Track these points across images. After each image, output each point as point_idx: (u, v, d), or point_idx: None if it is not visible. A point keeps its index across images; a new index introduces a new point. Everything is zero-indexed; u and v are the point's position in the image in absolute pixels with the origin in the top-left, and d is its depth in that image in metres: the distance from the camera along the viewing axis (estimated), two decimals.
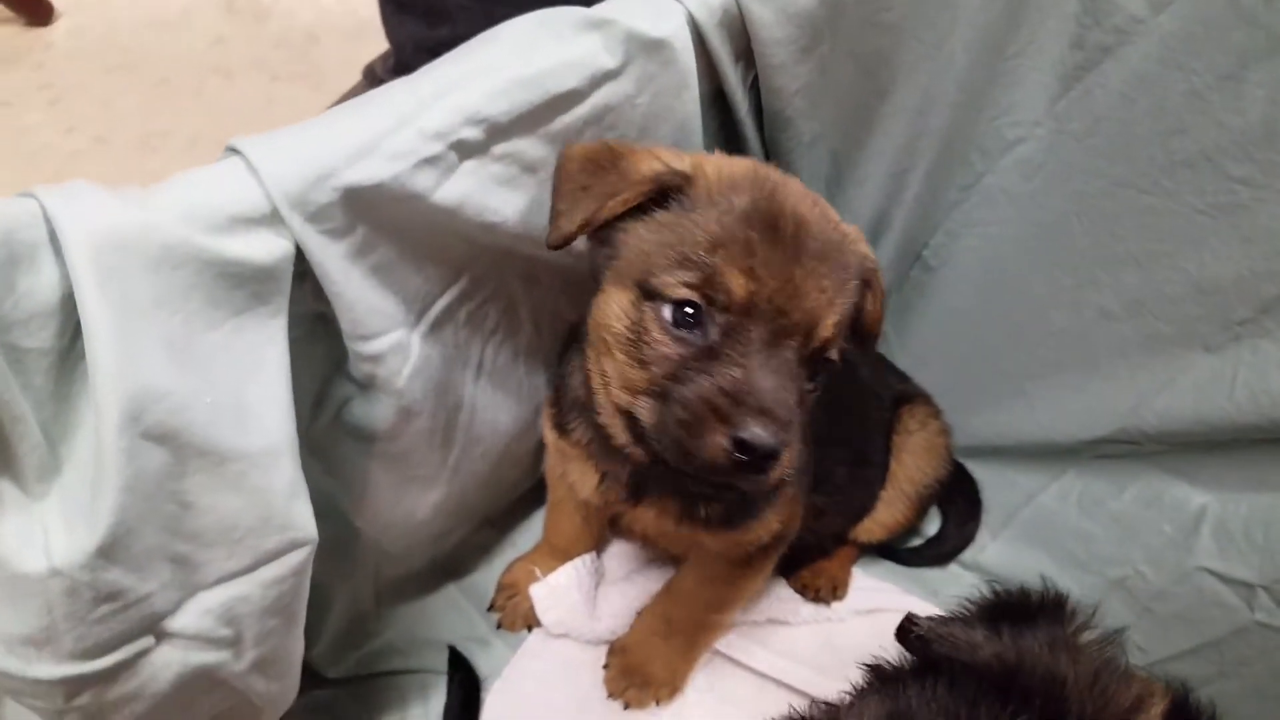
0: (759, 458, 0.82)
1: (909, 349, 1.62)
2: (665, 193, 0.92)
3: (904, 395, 1.51)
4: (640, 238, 0.93)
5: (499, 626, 1.51)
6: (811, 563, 1.55)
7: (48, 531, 0.78)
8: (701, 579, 1.35)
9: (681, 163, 0.93)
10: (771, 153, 1.26)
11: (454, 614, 1.52)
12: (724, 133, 1.23)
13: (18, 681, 0.82)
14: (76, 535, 0.78)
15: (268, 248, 0.86)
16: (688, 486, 1.11)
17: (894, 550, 1.63)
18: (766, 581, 1.50)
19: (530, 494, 1.59)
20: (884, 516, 1.50)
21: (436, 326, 1.09)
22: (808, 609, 1.53)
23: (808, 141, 1.25)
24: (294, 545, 0.93)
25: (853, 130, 1.35)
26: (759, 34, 1.10)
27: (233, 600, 0.92)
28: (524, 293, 1.18)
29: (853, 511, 1.49)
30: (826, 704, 1.00)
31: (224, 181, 0.84)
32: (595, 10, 1.01)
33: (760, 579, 1.36)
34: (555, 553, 1.51)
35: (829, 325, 0.89)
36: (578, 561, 1.49)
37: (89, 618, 0.82)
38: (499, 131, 0.96)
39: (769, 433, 0.82)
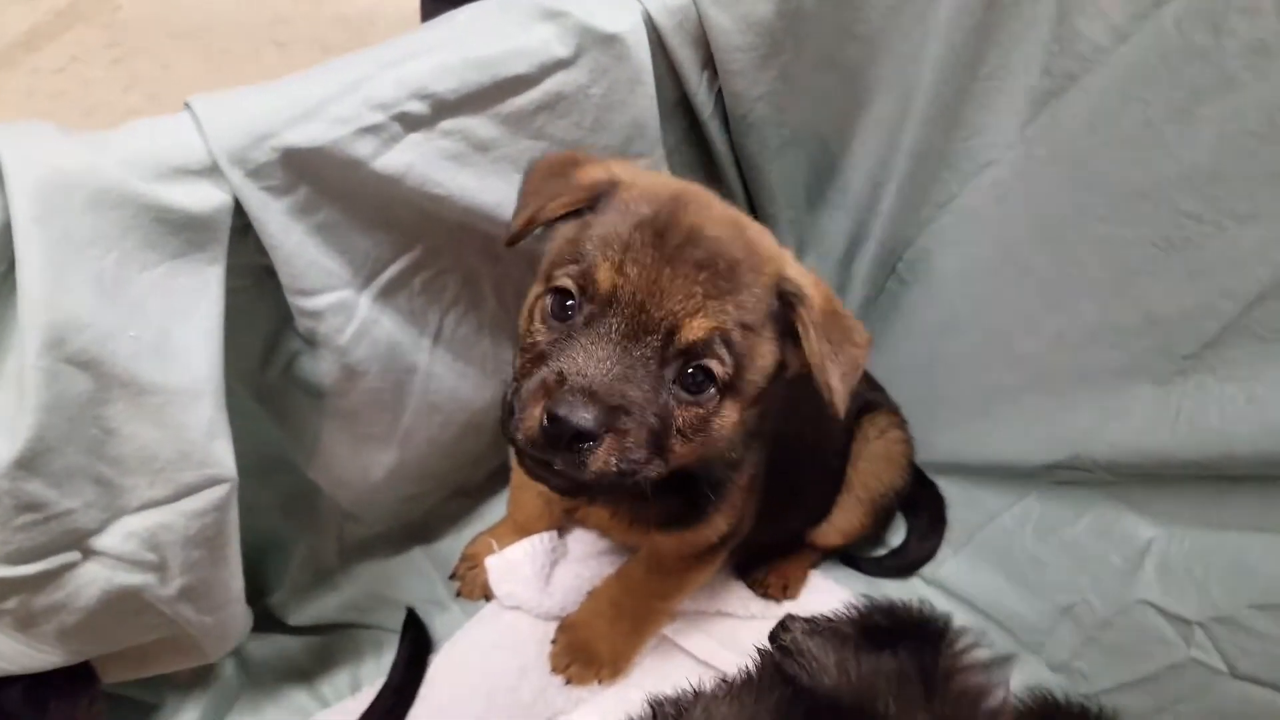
0: (570, 436, 0.85)
1: (882, 361, 1.63)
2: (598, 199, 0.97)
3: (868, 404, 1.53)
4: (562, 235, 0.99)
5: (458, 595, 1.57)
6: (770, 561, 1.58)
7: None
8: (651, 570, 1.39)
9: (617, 174, 0.99)
10: (740, 158, 1.29)
11: (416, 577, 1.58)
12: (691, 135, 1.26)
13: None
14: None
15: (205, 198, 0.92)
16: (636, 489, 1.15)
17: (856, 558, 1.65)
18: (718, 575, 1.53)
19: (505, 468, 1.64)
20: (840, 522, 1.52)
21: (388, 291, 1.15)
22: (757, 605, 1.56)
23: (775, 147, 1.28)
24: (213, 481, 0.99)
25: (833, 139, 1.38)
26: (717, 40, 1.14)
27: (156, 527, 0.99)
28: (486, 268, 1.23)
29: (807, 515, 1.51)
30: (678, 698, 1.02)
31: (171, 133, 0.91)
32: (552, 1, 1.06)
33: (707, 574, 1.39)
34: (517, 528, 1.56)
35: (695, 328, 0.90)
36: (535, 538, 1.54)
37: (10, 524, 0.89)
38: (446, 108, 1.02)
39: (584, 413, 0.84)
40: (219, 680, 1.36)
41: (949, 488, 1.65)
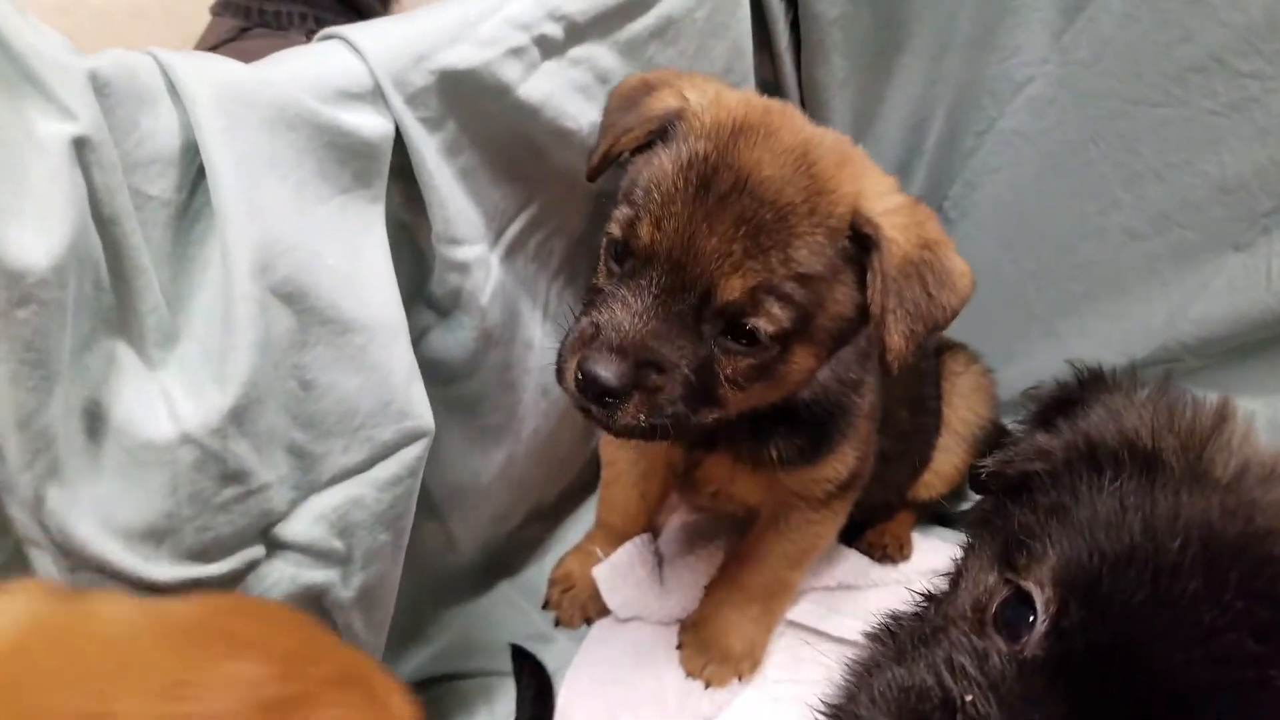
0: (598, 391, 0.86)
1: None
2: (667, 129, 0.94)
3: (943, 344, 1.53)
4: (635, 170, 0.95)
5: (557, 624, 1.46)
6: (873, 525, 1.54)
7: (171, 399, 0.75)
8: (777, 532, 1.32)
9: (688, 98, 0.95)
10: (807, 92, 1.30)
11: (511, 612, 1.46)
12: (763, 70, 1.27)
13: (132, 581, 0.77)
14: (207, 398, 0.75)
15: (371, 124, 0.86)
16: (758, 428, 1.10)
17: (947, 514, 1.62)
18: (835, 544, 1.48)
19: (576, 486, 1.56)
20: (943, 465, 1.49)
21: (511, 252, 1.09)
22: (877, 571, 1.50)
23: (841, 79, 1.30)
24: (411, 436, 0.91)
25: (871, 84, 1.41)
26: None
27: (347, 504, 0.89)
28: (588, 233, 1.19)
29: (915, 459, 1.49)
30: None
31: (329, 58, 0.86)
32: None
33: (836, 524, 1.34)
34: (611, 535, 1.47)
35: (732, 288, 0.87)
36: (635, 540, 1.46)
37: (214, 501, 0.78)
38: (575, 31, 0.99)
39: (609, 370, 0.85)
40: None
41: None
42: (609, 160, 0.98)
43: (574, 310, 1.06)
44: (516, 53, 0.95)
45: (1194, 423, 0.75)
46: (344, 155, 0.85)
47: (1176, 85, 1.29)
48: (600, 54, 1.03)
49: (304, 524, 0.86)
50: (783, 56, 1.24)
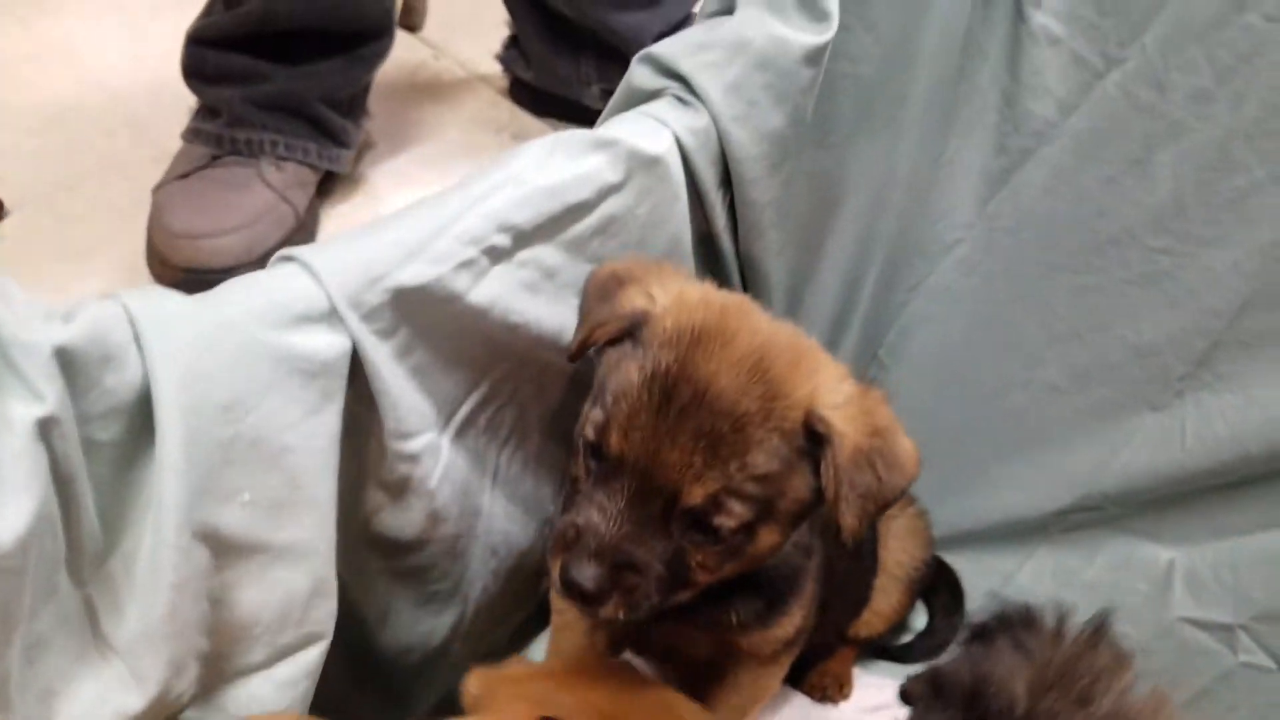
0: (581, 595, 0.94)
1: None
2: (635, 329, 1.01)
3: None
4: (608, 365, 1.03)
5: None
6: (815, 666, 1.58)
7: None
8: (725, 687, 1.37)
9: (655, 297, 1.03)
10: (745, 263, 1.37)
11: None
12: (703, 247, 1.34)
13: None
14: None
15: (329, 343, 0.92)
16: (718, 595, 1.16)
17: (888, 648, 1.67)
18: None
19: (524, 627, 1.59)
20: (881, 605, 1.55)
21: (461, 431, 1.14)
22: (817, 711, 1.55)
23: (777, 250, 1.37)
24: (309, 640, 0.98)
25: (809, 241, 1.48)
26: (735, 153, 1.23)
27: (246, 698, 0.95)
28: (535, 400, 1.24)
29: (853, 603, 1.54)
30: None
31: (285, 283, 0.91)
32: (599, 131, 1.13)
33: (781, 675, 1.38)
34: None
35: (695, 494, 0.94)
36: None
37: None
38: (523, 238, 1.06)
39: (588, 576, 0.93)
40: None
41: (957, 560, 1.72)
42: (587, 347, 1.05)
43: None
44: (467, 264, 1.01)
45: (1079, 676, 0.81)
46: (308, 378, 0.90)
47: (1095, 255, 1.38)
48: (546, 254, 1.09)
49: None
50: (721, 236, 1.31)
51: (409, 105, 2.43)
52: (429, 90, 2.50)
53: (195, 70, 1.95)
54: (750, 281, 1.41)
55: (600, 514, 0.95)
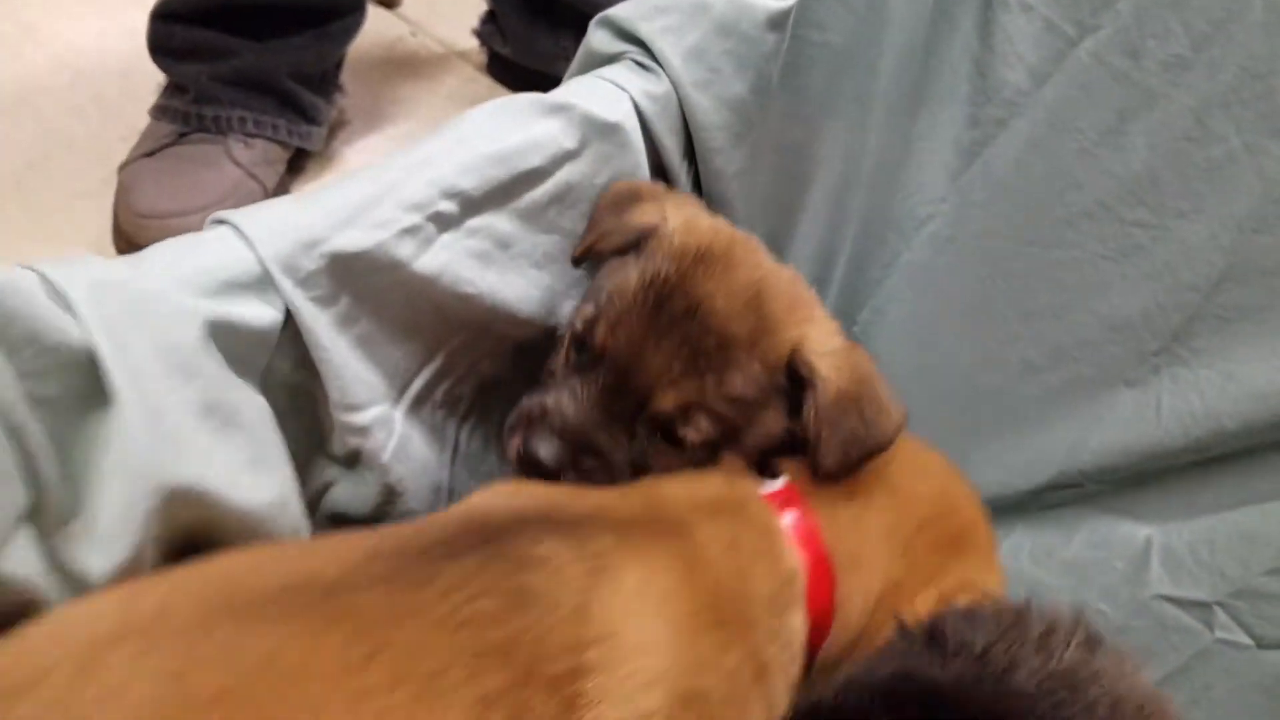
0: (536, 468, 0.96)
1: None
2: (641, 241, 1.00)
3: None
4: (607, 269, 1.05)
5: None
6: None
7: None
8: None
9: (668, 215, 1.04)
10: None
11: None
12: None
13: None
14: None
15: (259, 314, 0.90)
16: None
17: None
18: None
19: None
20: None
21: (416, 404, 1.12)
22: None
23: (745, 224, 1.34)
24: None
25: (781, 217, 1.46)
26: (698, 119, 1.20)
27: None
28: (495, 375, 1.22)
29: None
30: None
31: (214, 247, 0.88)
32: (553, 96, 1.10)
33: None
34: None
35: (665, 400, 0.97)
36: None
37: None
38: (471, 205, 1.03)
39: (548, 451, 0.95)
40: None
41: None
42: (587, 256, 1.09)
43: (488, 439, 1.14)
44: (410, 231, 0.98)
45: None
46: (237, 350, 0.88)
47: (1068, 229, 1.34)
48: (499, 222, 1.07)
49: None
50: None
51: (385, 82, 2.39)
52: (406, 66, 2.46)
53: (161, 46, 1.91)
54: None
55: (571, 398, 0.97)
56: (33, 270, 0.77)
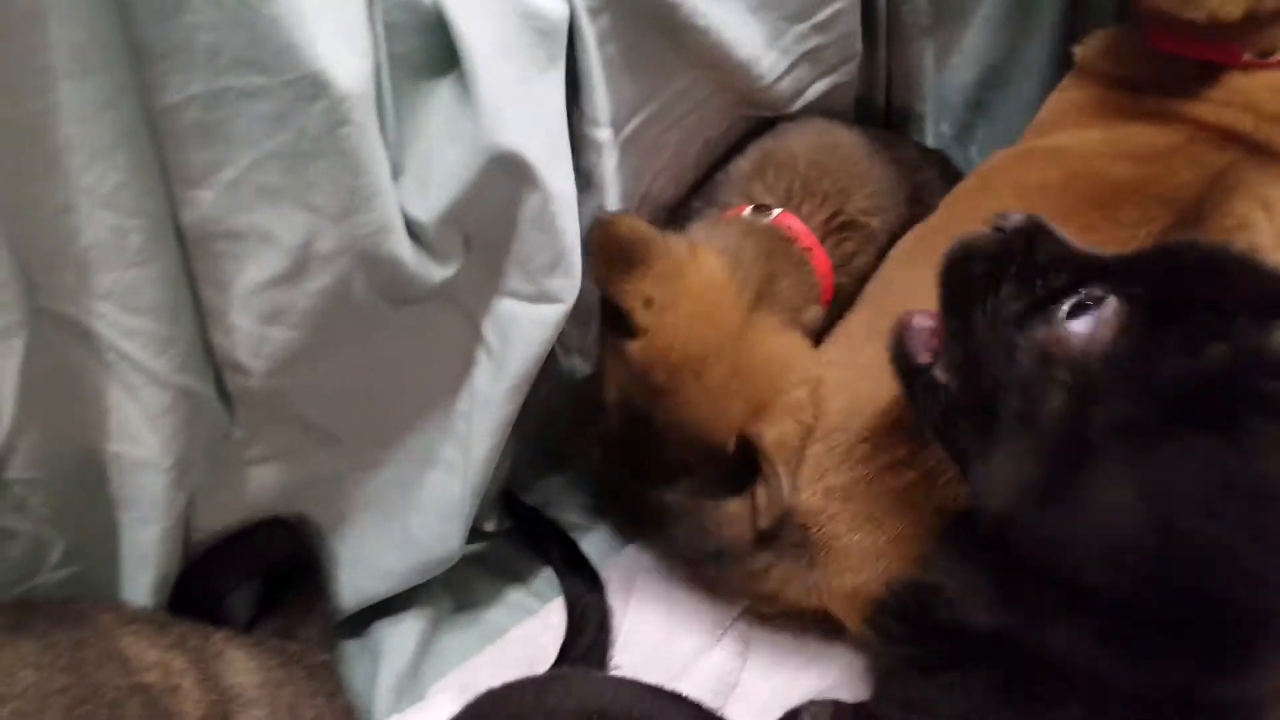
0: None
1: None
2: None
3: None
4: None
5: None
6: None
7: None
8: None
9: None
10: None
11: None
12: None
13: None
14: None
15: (554, 6, 0.97)
16: None
17: None
18: None
19: None
20: None
21: (626, 144, 1.17)
22: None
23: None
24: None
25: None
26: None
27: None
28: (696, 131, 1.28)
29: None
30: None
31: None
32: None
33: None
34: None
35: None
36: None
37: None
38: None
39: None
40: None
41: None
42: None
43: None
44: None
45: None
46: (539, 37, 0.97)
47: None
48: None
49: None
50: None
51: None
52: None
53: None
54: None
55: None
56: None
